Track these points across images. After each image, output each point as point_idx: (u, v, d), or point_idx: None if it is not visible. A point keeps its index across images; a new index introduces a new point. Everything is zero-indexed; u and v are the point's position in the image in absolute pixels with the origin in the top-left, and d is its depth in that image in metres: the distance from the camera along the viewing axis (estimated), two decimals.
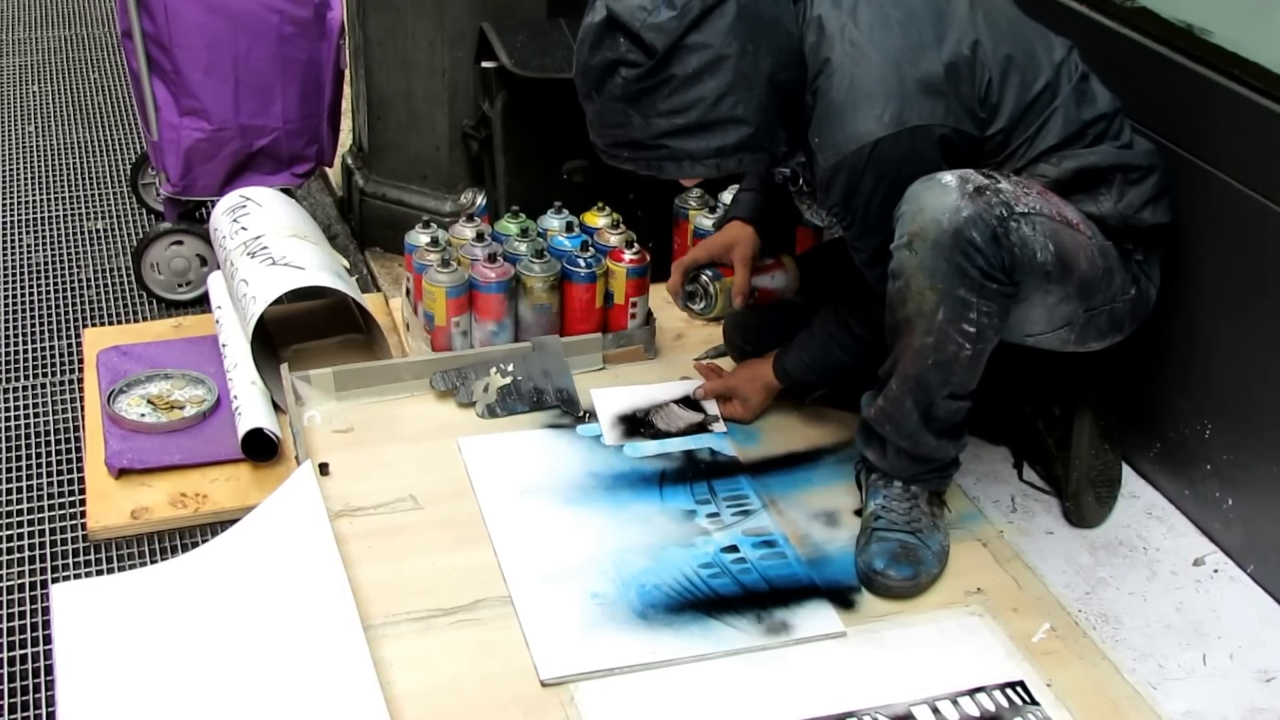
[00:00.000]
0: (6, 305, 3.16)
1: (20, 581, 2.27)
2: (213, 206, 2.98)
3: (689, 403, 2.57)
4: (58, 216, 3.59)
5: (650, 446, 2.45)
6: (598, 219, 2.82)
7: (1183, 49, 2.22)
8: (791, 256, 2.58)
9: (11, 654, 2.12)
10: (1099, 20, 2.39)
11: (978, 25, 2.06)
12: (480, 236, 2.69)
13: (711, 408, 2.55)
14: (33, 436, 2.64)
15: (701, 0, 1.94)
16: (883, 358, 2.13)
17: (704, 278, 2.53)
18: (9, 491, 2.48)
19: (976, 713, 1.92)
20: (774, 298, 2.56)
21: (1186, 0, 2.25)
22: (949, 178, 1.96)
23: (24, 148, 3.98)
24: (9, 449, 2.60)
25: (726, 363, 2.65)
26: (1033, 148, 2.09)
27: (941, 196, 1.94)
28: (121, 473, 2.45)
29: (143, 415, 2.60)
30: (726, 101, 1.98)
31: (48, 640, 2.11)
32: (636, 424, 2.52)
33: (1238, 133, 2.12)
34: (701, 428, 2.51)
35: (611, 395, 2.58)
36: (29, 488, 2.49)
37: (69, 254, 3.40)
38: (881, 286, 2.07)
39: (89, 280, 3.28)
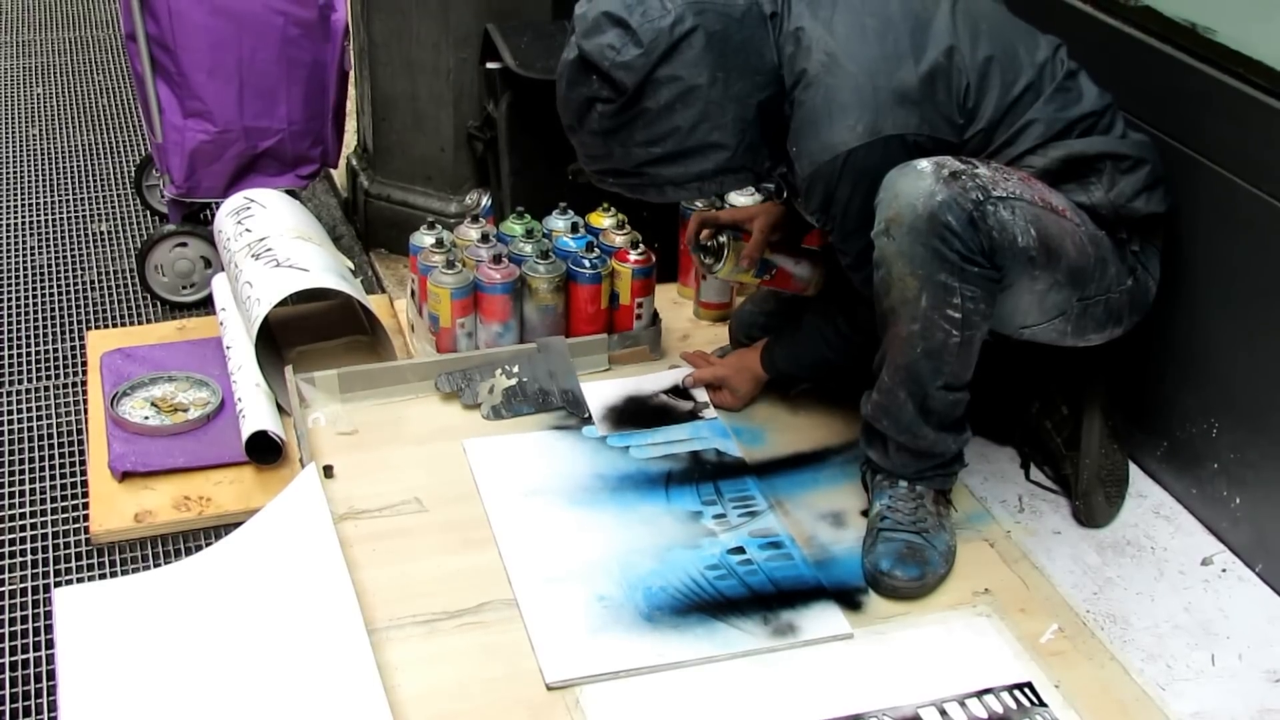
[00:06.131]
0: (10, 307, 3.16)
1: (23, 585, 2.26)
2: (217, 208, 2.98)
3: (678, 391, 2.58)
4: (62, 219, 3.59)
5: (644, 436, 2.46)
6: (603, 219, 2.82)
7: (1186, 47, 2.22)
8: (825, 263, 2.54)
9: (14, 658, 2.11)
10: (1102, 19, 2.38)
11: (956, 30, 2.07)
12: (485, 237, 2.69)
13: (701, 395, 2.57)
14: (36, 439, 2.64)
15: (668, 34, 1.99)
16: (868, 358, 2.14)
17: (724, 236, 2.46)
18: (11, 494, 2.48)
19: (984, 714, 1.92)
20: (789, 287, 2.51)
21: None
22: (924, 164, 1.97)
23: (28, 150, 3.98)
24: (12, 451, 2.60)
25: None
26: (1014, 147, 2.10)
27: (916, 182, 1.95)
28: (125, 476, 2.45)
29: (146, 418, 2.59)
30: (701, 129, 2.03)
31: (50, 644, 2.11)
32: (627, 414, 2.53)
33: (1242, 130, 2.11)
34: (692, 415, 2.52)
35: (601, 387, 2.59)
36: (32, 491, 2.49)
37: (73, 256, 3.40)
38: (865, 289, 2.09)
39: (93, 282, 3.28)
